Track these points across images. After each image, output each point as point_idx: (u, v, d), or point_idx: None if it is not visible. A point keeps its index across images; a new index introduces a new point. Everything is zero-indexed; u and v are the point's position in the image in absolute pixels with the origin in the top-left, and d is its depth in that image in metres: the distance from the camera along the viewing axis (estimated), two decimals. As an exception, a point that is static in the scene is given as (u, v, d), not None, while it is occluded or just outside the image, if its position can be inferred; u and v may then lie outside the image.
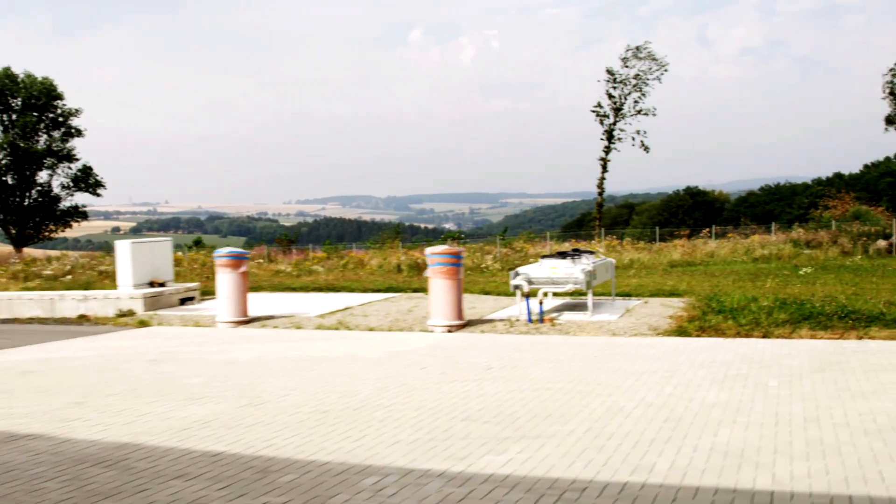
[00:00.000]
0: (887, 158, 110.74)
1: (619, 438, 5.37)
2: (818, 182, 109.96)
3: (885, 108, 45.81)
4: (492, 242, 40.66)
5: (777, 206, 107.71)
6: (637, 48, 40.16)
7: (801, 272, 18.33)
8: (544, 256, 12.41)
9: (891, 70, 42.40)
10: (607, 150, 42.18)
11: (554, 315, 11.84)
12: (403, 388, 7.40)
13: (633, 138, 41.98)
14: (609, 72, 40.69)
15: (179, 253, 42.92)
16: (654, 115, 41.09)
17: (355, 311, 13.95)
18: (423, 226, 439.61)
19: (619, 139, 41.91)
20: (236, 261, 13.33)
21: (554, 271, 11.66)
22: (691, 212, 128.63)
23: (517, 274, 11.90)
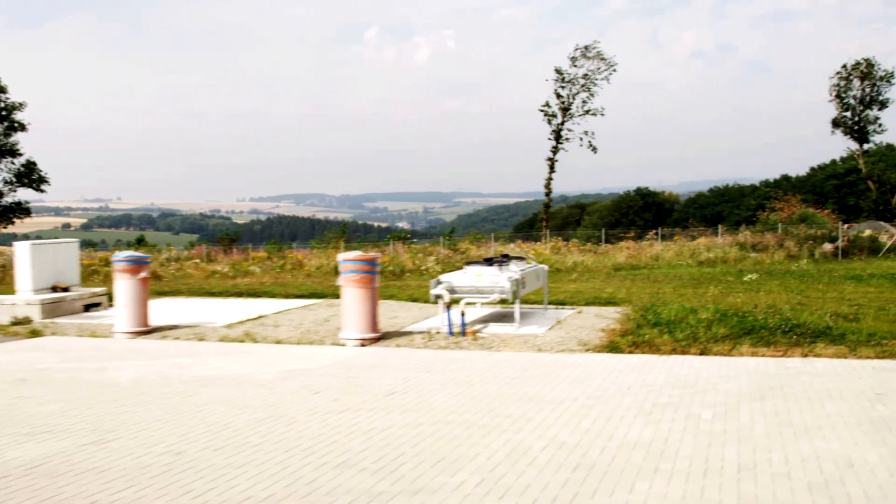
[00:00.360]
0: (833, 161, 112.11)
1: (514, 496, 4.40)
2: (766, 184, 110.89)
3: (832, 112, 46.00)
4: (437, 243, 39.79)
5: (726, 207, 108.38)
6: (586, 48, 39.61)
7: (745, 278, 17.63)
8: (469, 263, 11.41)
9: (837, 73, 42.52)
10: (555, 150, 41.49)
11: (478, 327, 10.89)
12: (282, 421, 6.36)
13: (581, 139, 41.40)
14: (557, 71, 40.06)
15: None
16: (602, 115, 40.59)
17: (268, 320, 12.85)
18: (376, 224, 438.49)
19: (567, 139, 41.31)
20: (135, 266, 12.15)
21: (479, 279, 10.70)
22: (642, 212, 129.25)
23: (439, 282, 10.92)
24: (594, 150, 41.69)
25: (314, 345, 10.48)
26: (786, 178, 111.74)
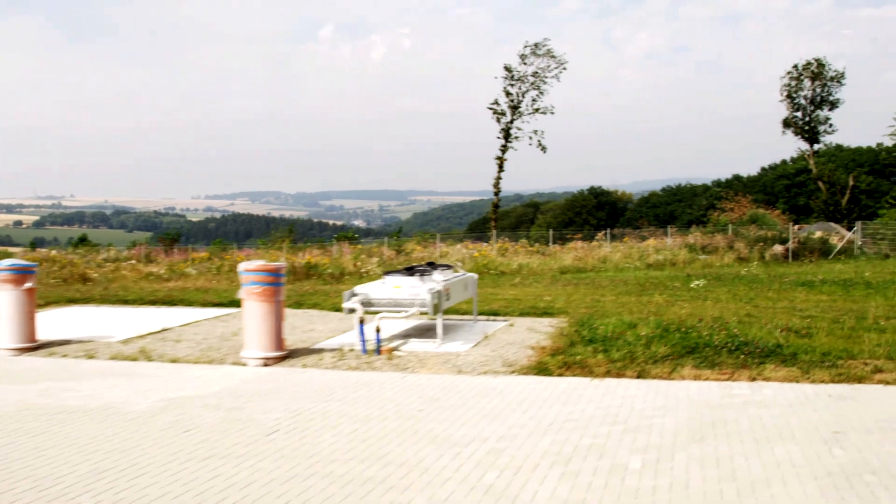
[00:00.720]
0: (784, 161, 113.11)
1: None
2: (717, 183, 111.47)
3: (783, 112, 45.75)
4: (383, 244, 38.70)
5: (678, 206, 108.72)
6: (536, 45, 38.72)
7: (693, 284, 16.77)
8: (389, 272, 10.30)
9: (788, 73, 42.17)
10: (504, 148, 40.51)
11: (397, 343, 9.82)
12: (127, 474, 5.23)
13: (531, 137, 40.48)
14: (507, 69, 39.09)
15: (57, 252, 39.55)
16: (551, 113, 39.79)
17: (172, 333, 11.65)
18: (331, 223, 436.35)
19: (517, 138, 40.34)
20: (19, 275, 10.89)
21: (397, 291, 9.64)
22: (595, 212, 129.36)
23: (353, 294, 9.83)
24: (543, 149, 40.85)
25: (213, 364, 9.34)
26: (737, 177, 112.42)
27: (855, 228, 28.91)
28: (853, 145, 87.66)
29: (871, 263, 25.01)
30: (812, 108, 41.65)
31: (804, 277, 18.72)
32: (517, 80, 39.41)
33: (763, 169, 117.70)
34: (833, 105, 41.56)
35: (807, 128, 42.13)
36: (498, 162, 40.33)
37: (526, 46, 39.26)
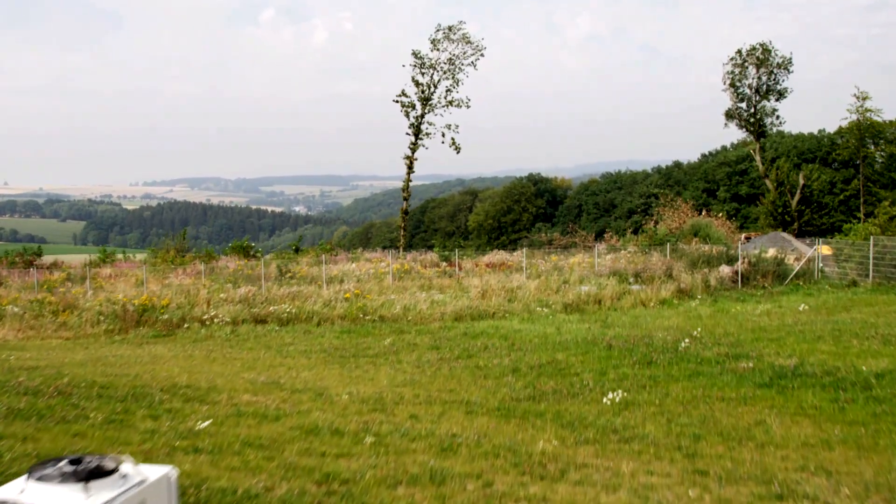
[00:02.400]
0: (724, 147, 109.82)
1: None
2: (658, 171, 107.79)
3: (725, 100, 41.08)
4: (272, 260, 33.17)
5: (618, 194, 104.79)
6: (449, 28, 33.34)
7: (605, 399, 11.32)
8: (37, 466, 5.03)
9: (731, 60, 37.42)
10: (413, 146, 35.07)
11: None
12: None
13: (444, 134, 34.99)
14: (415, 55, 33.52)
15: None
16: (467, 107, 34.37)
17: None
18: (270, 210, 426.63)
19: (428, 134, 34.93)
20: None
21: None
22: (533, 199, 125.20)
23: None
24: (457, 149, 35.55)
25: None
26: (678, 164, 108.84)
27: (815, 247, 24.27)
28: (794, 131, 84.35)
29: (838, 295, 20.39)
30: (758, 97, 37.08)
31: (765, 337, 13.89)
32: (429, 67, 33.97)
33: (704, 155, 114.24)
34: (780, 95, 37.05)
35: (752, 119, 37.53)
36: (407, 162, 34.94)
37: (438, 30, 33.83)
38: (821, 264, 24.30)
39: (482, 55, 34.05)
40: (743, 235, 31.43)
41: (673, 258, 24.68)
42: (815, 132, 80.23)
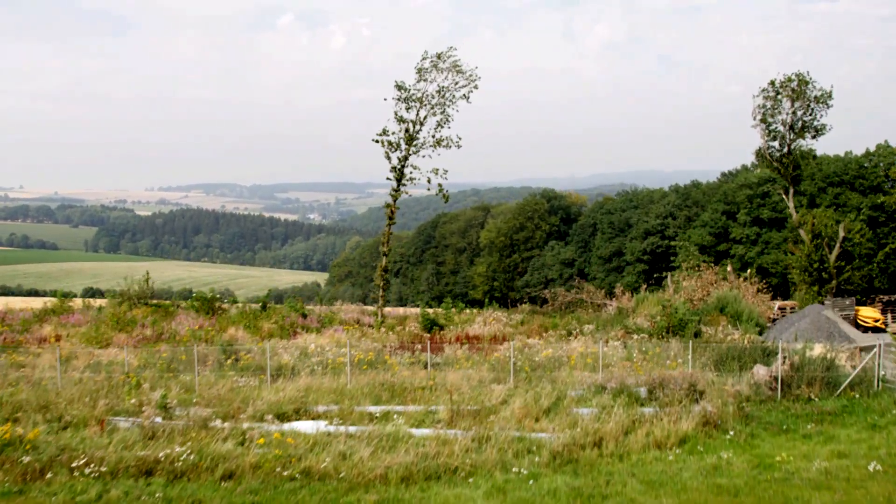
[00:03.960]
0: (745, 167, 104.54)
1: None
2: (676, 190, 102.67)
3: (756, 138, 35.31)
4: (247, 313, 28.53)
5: (634, 214, 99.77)
6: (438, 56, 28.26)
7: None
8: None
9: (763, 92, 32.00)
10: (395, 193, 29.98)
11: None
12: None
13: (430, 179, 29.81)
14: (399, 87, 28.34)
15: None
16: (457, 146, 29.49)
17: None
18: (283, 217, 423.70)
19: (412, 179, 29.85)
20: None
21: None
22: (547, 216, 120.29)
23: None
24: (445, 198, 30.46)
25: None
26: (696, 184, 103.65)
27: (874, 350, 19.28)
28: (817, 151, 79.01)
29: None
30: (792, 135, 31.69)
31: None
32: (415, 100, 28.93)
33: (724, 174, 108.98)
34: (817, 132, 31.75)
35: (785, 160, 32.20)
36: (388, 212, 29.87)
37: (425, 58, 28.78)
38: (881, 362, 19.42)
39: (476, 87, 29.13)
40: (776, 305, 26.53)
41: (696, 354, 19.90)
42: (841, 154, 74.87)
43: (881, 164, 68.59)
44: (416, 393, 18.88)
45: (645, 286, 31.78)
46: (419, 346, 23.22)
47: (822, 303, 24.91)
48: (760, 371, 19.08)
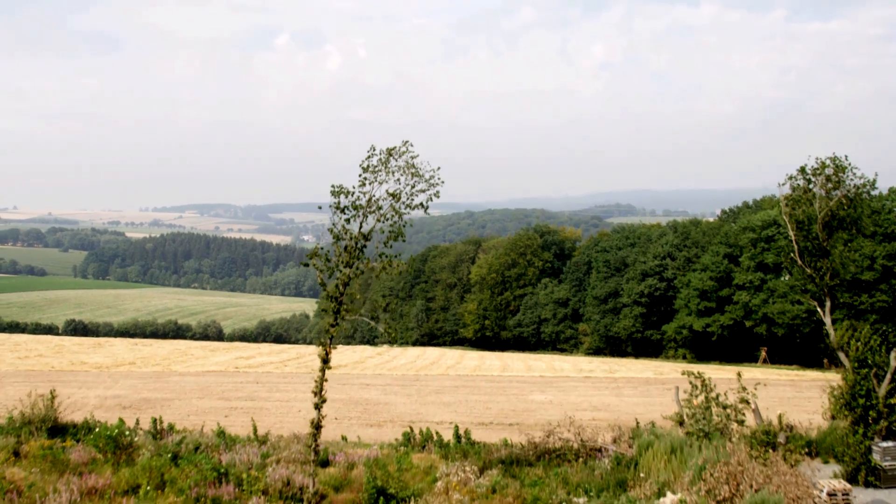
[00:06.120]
0: (745, 204, 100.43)
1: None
2: (674, 228, 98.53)
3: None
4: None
5: (630, 252, 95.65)
6: (390, 153, 20.68)
7: None
8: None
9: (790, 179, 25.47)
10: (332, 328, 22.16)
11: None
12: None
13: (376, 315, 21.68)
14: (336, 192, 20.65)
15: None
16: (410, 272, 23.96)
17: None
18: (275, 242, 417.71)
19: (351, 311, 21.87)
20: None
21: None
22: (540, 252, 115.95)
23: None
24: (394, 340, 23.02)
25: None
26: (695, 223, 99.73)
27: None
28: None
29: None
30: (827, 236, 24.49)
31: None
32: (356, 208, 21.84)
33: (724, 212, 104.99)
34: (856, 227, 25.14)
35: (820, 265, 25.12)
36: (322, 353, 22.28)
37: (371, 154, 22.05)
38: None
39: (437, 194, 22.96)
40: (825, 490, 21.24)
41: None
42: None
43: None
44: None
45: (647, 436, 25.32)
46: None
47: (870, 448, 20.36)
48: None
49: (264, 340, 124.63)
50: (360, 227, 22.55)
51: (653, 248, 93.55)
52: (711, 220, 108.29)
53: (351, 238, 22.71)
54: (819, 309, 25.05)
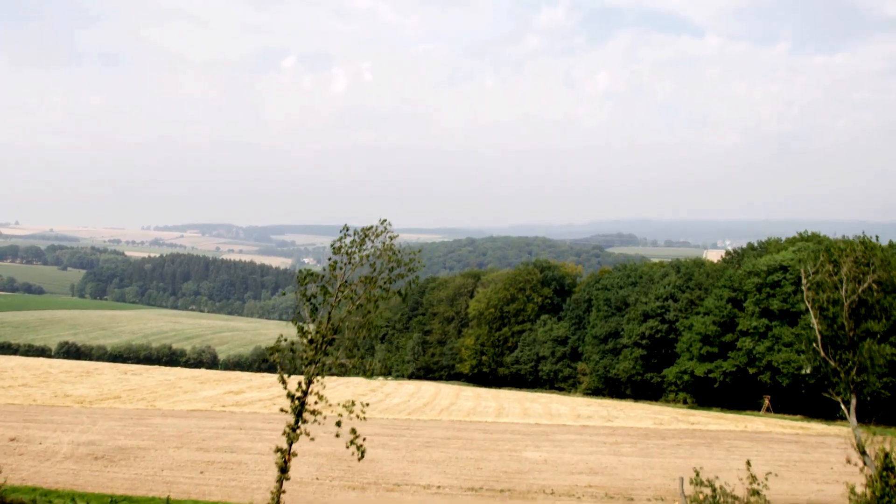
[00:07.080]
0: (751, 245, 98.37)
1: None
2: (677, 269, 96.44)
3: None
4: None
5: (632, 291, 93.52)
6: (365, 233, 17.82)
7: None
8: None
9: (817, 264, 22.40)
10: (292, 433, 18.69)
11: None
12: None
13: (340, 430, 17.94)
14: (303, 277, 17.88)
15: None
16: (384, 375, 21.49)
17: None
18: (274, 265, 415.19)
19: (317, 413, 18.42)
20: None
21: None
22: (540, 288, 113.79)
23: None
24: (361, 455, 18.95)
25: None
26: (698, 263, 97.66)
27: None
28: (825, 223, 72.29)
29: None
30: (853, 324, 21.12)
31: None
32: (326, 294, 19.07)
33: (728, 253, 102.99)
34: (888, 315, 21.69)
35: (846, 357, 21.60)
36: (280, 460, 18.74)
37: (346, 234, 19.31)
38: None
39: (417, 279, 20.50)
40: None
41: None
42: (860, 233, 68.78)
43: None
44: None
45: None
46: None
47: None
48: None
49: (259, 369, 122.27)
50: (329, 317, 20.29)
51: (655, 289, 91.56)
52: (713, 251, 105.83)
53: (317, 332, 20.47)
54: (844, 407, 22.61)
